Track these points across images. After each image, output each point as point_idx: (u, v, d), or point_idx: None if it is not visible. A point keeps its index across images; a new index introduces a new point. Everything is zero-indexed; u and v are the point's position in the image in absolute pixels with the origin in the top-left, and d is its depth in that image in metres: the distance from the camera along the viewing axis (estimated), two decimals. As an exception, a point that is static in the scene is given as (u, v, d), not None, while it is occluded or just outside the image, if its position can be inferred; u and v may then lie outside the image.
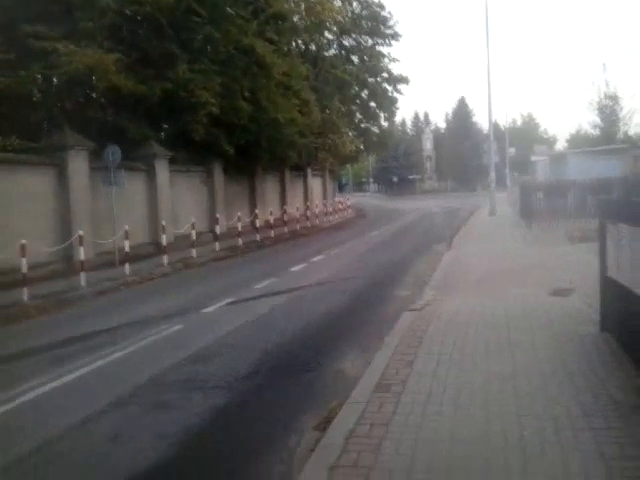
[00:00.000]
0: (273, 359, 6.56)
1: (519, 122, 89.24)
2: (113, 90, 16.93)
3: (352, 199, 47.88)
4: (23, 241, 10.84)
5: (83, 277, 11.95)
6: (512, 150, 56.85)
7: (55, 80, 17.99)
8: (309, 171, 34.36)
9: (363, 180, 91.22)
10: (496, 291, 8.97)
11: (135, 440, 4.61)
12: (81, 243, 12.44)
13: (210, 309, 9.37)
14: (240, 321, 8.47)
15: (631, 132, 43.50)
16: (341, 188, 58.93)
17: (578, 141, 62.40)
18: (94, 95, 18.93)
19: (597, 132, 45.81)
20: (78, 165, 15.04)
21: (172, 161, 19.47)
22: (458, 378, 5.05)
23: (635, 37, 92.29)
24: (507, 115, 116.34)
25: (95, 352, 7.08)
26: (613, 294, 5.61)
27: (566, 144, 75.20)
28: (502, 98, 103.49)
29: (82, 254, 12.35)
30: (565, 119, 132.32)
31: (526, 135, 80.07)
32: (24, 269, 10.71)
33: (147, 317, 9.08)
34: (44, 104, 17.44)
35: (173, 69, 18.33)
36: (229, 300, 10.01)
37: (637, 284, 4.65)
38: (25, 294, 10.46)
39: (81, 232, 12.71)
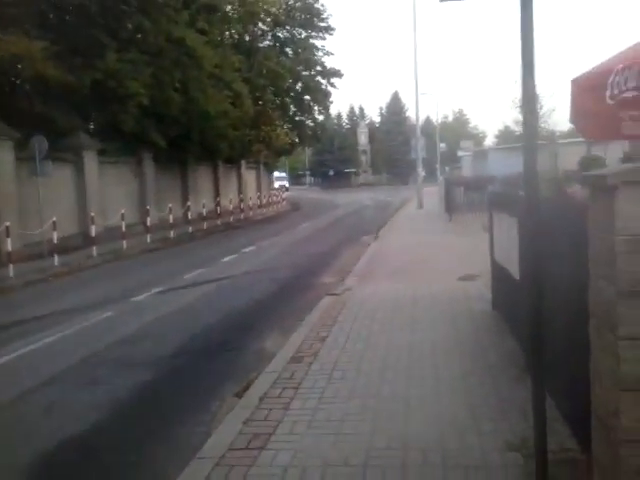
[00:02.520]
0: (199, 341, 7.05)
1: (450, 118, 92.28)
2: (40, 79, 16.66)
3: (288, 192, 48.55)
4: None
5: (11, 268, 11.95)
6: (443, 145, 58.77)
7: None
8: (243, 163, 34.58)
9: (300, 173, 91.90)
10: (410, 277, 9.75)
11: (67, 410, 5.01)
12: (8, 234, 12.41)
13: (139, 298, 9.70)
14: (168, 308, 8.88)
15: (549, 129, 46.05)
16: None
17: (505, 137, 65.24)
18: (20, 84, 18.56)
19: (519, 129, 48.15)
20: (3, 155, 14.86)
21: (102, 152, 19.37)
22: (363, 350, 5.71)
23: (553, 38, 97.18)
24: (439, 111, 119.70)
25: (26, 337, 7.33)
26: (499, 275, 6.42)
27: (495, 140, 78.38)
28: (435, 94, 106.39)
29: (9, 245, 12.35)
30: (494, 115, 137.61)
31: (457, 130, 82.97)
32: (-53, 260, 10.67)
33: (77, 305, 9.33)
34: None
35: (102, 59, 18.21)
36: (158, 289, 10.35)
37: (512, 267, 5.42)
38: (-51, 285, 10.44)
39: (7, 223, 12.66)
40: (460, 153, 41.76)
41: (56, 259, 13.33)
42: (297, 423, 4.10)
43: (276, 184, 65.28)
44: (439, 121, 66.92)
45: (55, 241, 13.69)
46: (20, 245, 13.96)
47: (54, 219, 13.82)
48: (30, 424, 4.80)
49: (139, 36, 20.61)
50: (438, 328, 6.40)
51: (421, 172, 28.42)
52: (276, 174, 70.04)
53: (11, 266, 11.97)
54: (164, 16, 20.43)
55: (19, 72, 16.76)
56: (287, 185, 70.45)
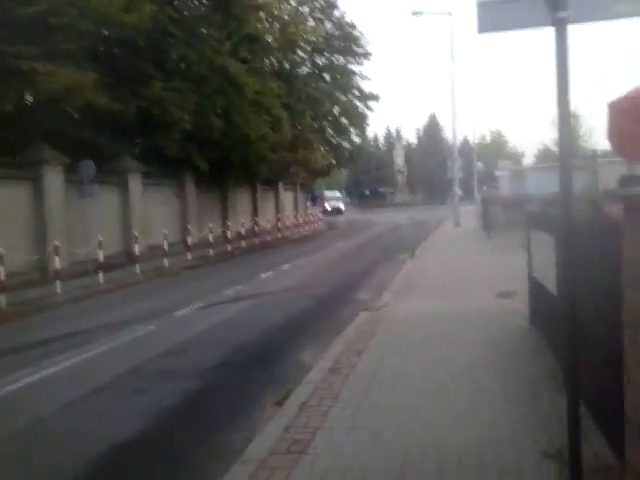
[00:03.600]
0: (239, 353, 7.24)
1: (488, 138, 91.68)
2: (89, 107, 17.42)
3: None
4: (0, 250, 11.30)
5: (59, 285, 12.43)
6: (480, 164, 58.39)
7: (31, 98, 18.41)
8: (280, 185, 35.14)
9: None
10: (448, 294, 9.76)
11: (116, 417, 5.25)
12: (57, 253, 12.91)
13: (181, 312, 10.00)
14: (209, 322, 9.13)
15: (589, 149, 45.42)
16: (314, 200, 59.43)
17: (545, 157, 64.48)
18: (70, 112, 19.39)
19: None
20: (53, 179, 15.58)
21: (146, 175, 20.04)
22: (400, 364, 5.80)
23: (593, 58, 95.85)
24: (476, 131, 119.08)
25: (75, 349, 7.65)
26: (537, 292, 6.44)
27: (534, 160, 77.48)
28: (472, 115, 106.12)
29: (57, 263, 12.84)
30: (533, 136, 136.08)
31: (495, 151, 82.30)
32: (1, 276, 11.16)
33: (121, 320, 9.66)
34: (20, 121, 17.82)
35: (148, 87, 18.94)
36: (199, 305, 10.65)
37: (550, 283, 5.46)
38: (2, 300, 10.92)
39: (57, 242, 13.19)
40: (498, 173, 41.43)
41: (101, 276, 13.82)
42: (335, 430, 4.23)
43: (327, 205, 58.44)
44: (476, 141, 66.64)
45: (101, 259, 14.19)
46: (68, 263, 14.52)
47: (100, 238, 14.35)
48: (82, 429, 5.04)
49: (183, 66, 21.39)
50: (476, 344, 6.43)
51: (458, 191, 28.33)
52: (327, 194, 63.08)
53: (58, 283, 12.44)
54: (208, 47, 21.18)
55: (70, 101, 17.45)
56: (342, 207, 61.10)
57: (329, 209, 56.76)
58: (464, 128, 48.38)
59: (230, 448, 4.38)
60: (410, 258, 16.08)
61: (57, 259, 12.89)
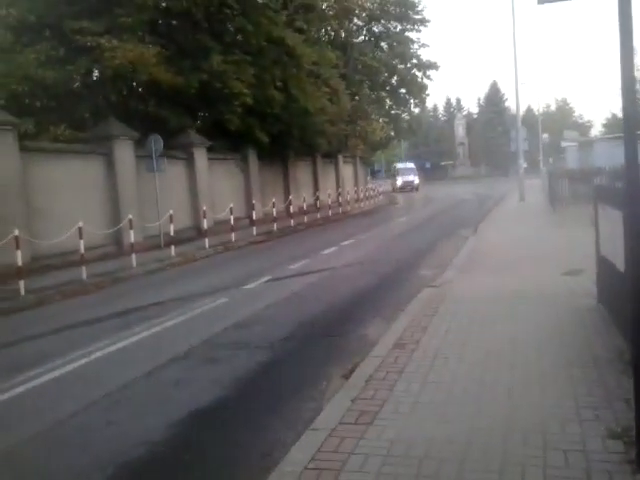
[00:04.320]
0: (307, 327, 7.52)
1: (553, 107, 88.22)
2: (153, 82, 17.97)
3: (384, 185, 48.22)
4: (80, 224, 11.99)
5: (134, 258, 13.09)
6: (545, 136, 56.49)
7: (98, 74, 19.15)
8: (340, 158, 35.15)
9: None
10: (512, 271, 9.69)
11: (193, 385, 5.62)
12: (131, 227, 13.56)
13: (250, 286, 10.40)
14: (277, 296, 9.48)
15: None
16: (374, 174, 56.74)
17: (614, 127, 61.48)
18: (135, 87, 20.07)
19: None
20: (124, 153, 16.23)
21: (209, 149, 20.55)
22: (465, 340, 5.91)
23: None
24: (540, 100, 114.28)
25: (151, 320, 8.15)
26: (605, 270, 6.36)
27: (603, 130, 74.02)
28: (536, 82, 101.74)
29: (132, 237, 13.48)
30: (601, 104, 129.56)
31: (560, 120, 79.18)
32: (82, 250, 11.87)
33: (194, 292, 10.14)
34: (89, 97, 18.62)
35: (207, 61, 19.28)
36: (267, 278, 11.04)
37: (618, 260, 5.40)
38: (84, 273, 11.63)
39: (130, 216, 13.83)
40: (564, 144, 39.97)
41: (172, 250, 14.43)
42: (402, 404, 4.41)
43: (399, 180, 52.32)
44: (541, 111, 64.19)
45: (172, 233, 14.80)
46: (141, 237, 15.21)
47: (171, 212, 14.93)
48: (161, 396, 5.42)
49: (241, 38, 21.60)
50: (541, 321, 6.44)
51: (522, 164, 27.59)
52: (399, 165, 56.32)
53: (134, 256, 13.10)
54: (264, 17, 21.29)
55: (134, 76, 18.08)
56: (416, 181, 51.67)
57: (400, 184, 51.03)
58: (528, 96, 46.86)
59: (301, 416, 4.64)
60: (473, 234, 15.94)
61: (131, 232, 13.52)
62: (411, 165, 54.71)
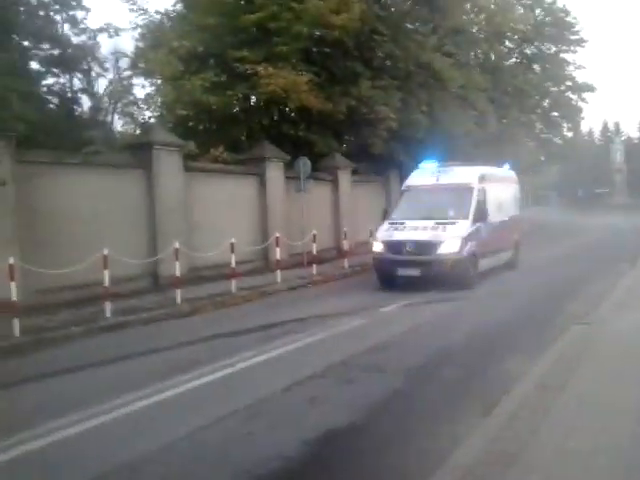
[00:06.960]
0: (443, 355, 7.41)
1: None
2: (304, 108, 18.81)
3: (528, 212, 45.90)
4: (233, 240, 12.83)
5: (278, 274, 13.71)
6: None
7: (254, 99, 20.44)
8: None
9: (543, 193, 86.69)
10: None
11: (328, 404, 5.78)
12: (277, 244, 14.23)
13: (387, 309, 10.49)
14: (414, 321, 9.47)
15: None
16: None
17: None
18: (287, 112, 21.13)
19: None
20: (274, 174, 17.17)
21: (353, 172, 21.03)
22: (617, 387, 5.47)
23: None
24: None
25: (292, 335, 8.54)
26: None
27: None
28: None
29: (278, 254, 14.14)
30: None
31: None
32: (233, 264, 12.68)
33: (332, 311, 10.42)
34: (245, 120, 19.90)
35: (356, 86, 19.79)
36: (404, 302, 11.04)
37: None
38: (233, 286, 12.42)
39: (277, 234, 14.53)
40: None
41: (314, 268, 14.95)
42: (546, 448, 4.21)
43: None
44: None
45: (314, 252, 15.34)
46: (286, 254, 15.91)
47: (314, 232, 15.48)
48: (296, 413, 5.60)
49: (389, 63, 21.90)
50: None
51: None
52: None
53: (278, 272, 13.73)
54: (413, 42, 21.43)
55: (286, 102, 18.98)
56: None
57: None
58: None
59: (434, 454, 4.47)
60: (631, 269, 14.69)
61: (278, 250, 14.18)
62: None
